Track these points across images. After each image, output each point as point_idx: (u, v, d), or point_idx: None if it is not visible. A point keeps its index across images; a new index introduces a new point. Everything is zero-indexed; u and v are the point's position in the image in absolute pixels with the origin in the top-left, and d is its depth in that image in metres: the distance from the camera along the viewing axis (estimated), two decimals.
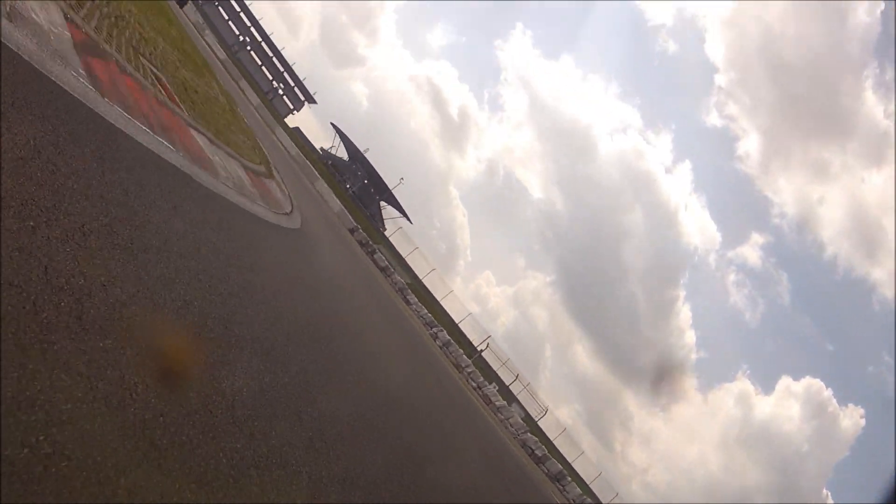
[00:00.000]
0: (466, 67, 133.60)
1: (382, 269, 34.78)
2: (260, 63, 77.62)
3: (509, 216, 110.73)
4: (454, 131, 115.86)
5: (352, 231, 35.25)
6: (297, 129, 63.41)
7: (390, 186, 63.37)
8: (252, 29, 77.97)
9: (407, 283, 37.43)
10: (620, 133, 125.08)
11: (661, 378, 68.21)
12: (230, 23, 78.00)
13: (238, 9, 78.11)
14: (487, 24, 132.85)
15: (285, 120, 62.38)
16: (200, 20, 53.40)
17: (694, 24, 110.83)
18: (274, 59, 77.50)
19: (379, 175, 65.32)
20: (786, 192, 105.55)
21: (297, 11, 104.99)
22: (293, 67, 77.25)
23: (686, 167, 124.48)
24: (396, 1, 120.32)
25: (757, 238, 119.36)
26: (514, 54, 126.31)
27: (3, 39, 4.11)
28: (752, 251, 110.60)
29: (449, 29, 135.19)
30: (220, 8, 77.90)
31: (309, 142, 64.71)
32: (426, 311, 35.71)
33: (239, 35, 77.50)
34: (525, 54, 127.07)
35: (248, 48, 77.43)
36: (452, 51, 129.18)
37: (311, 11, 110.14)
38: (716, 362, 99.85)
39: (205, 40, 41.23)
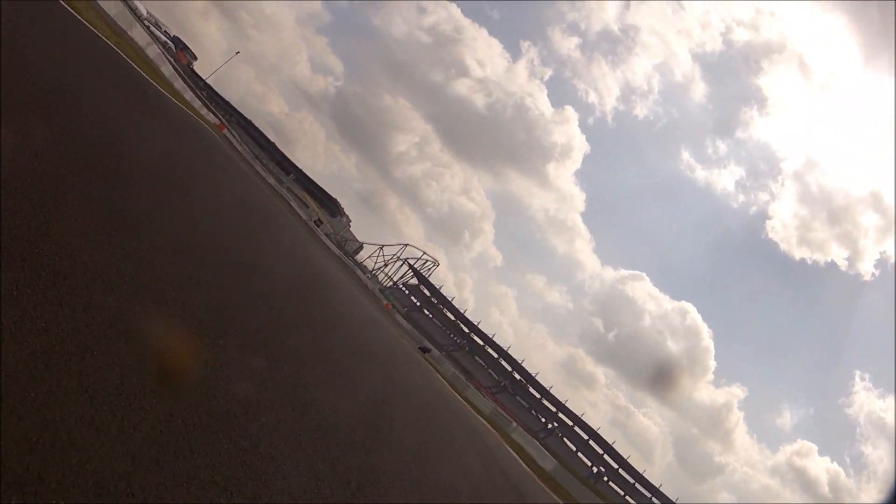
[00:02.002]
0: (823, 438, 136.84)
1: None
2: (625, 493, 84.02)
3: None
4: None
5: None
6: None
7: None
8: (602, 450, 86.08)
9: None
10: None
11: None
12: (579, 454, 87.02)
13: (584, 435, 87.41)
14: (826, 383, 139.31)
15: None
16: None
17: None
18: (637, 485, 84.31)
19: None
20: None
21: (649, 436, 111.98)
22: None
23: None
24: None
25: None
26: (861, 404, 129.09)
27: None
28: None
29: (795, 404, 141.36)
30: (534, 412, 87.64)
31: None
32: None
33: (592, 466, 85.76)
34: (870, 399, 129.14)
35: (606, 480, 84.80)
36: (804, 427, 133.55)
37: (661, 434, 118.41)
38: None
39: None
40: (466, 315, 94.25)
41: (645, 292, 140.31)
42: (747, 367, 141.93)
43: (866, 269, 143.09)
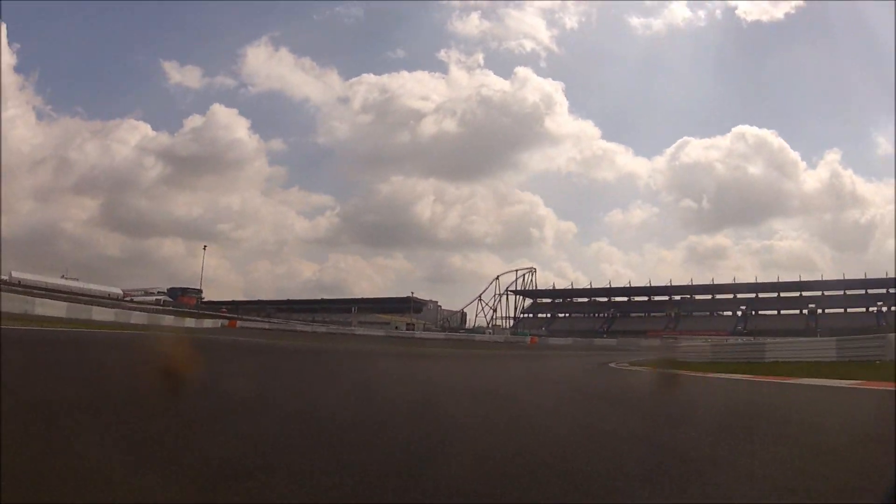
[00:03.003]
0: None
1: None
2: None
3: None
4: None
5: None
6: None
7: None
8: None
9: None
10: None
11: None
12: None
13: None
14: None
15: None
16: None
17: None
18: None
19: None
20: None
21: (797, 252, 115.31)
22: None
23: None
24: None
25: None
26: None
27: None
28: None
29: (879, 127, 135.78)
30: None
31: None
32: None
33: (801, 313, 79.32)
34: None
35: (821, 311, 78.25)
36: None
37: (805, 241, 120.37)
38: None
39: None
40: (596, 289, 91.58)
41: (700, 148, 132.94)
42: (822, 127, 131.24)
43: None
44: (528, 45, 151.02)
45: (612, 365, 24.25)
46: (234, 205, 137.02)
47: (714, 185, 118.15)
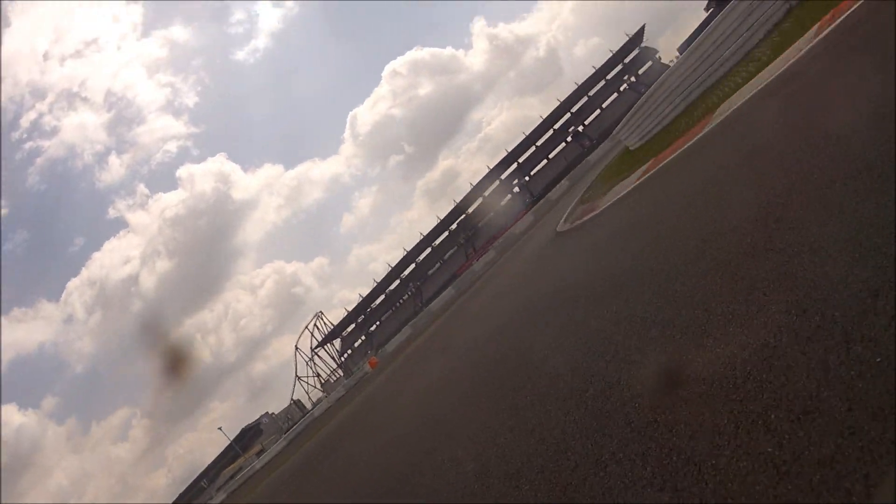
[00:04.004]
0: None
1: None
2: None
3: None
4: None
5: None
6: None
7: None
8: None
9: None
10: None
11: None
12: None
13: None
14: None
15: None
16: None
17: None
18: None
19: None
20: None
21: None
22: None
23: None
24: None
25: None
26: None
27: None
28: None
29: None
30: None
31: None
32: None
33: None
34: None
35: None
36: None
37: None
38: None
39: None
40: (382, 280, 77.01)
41: (367, 110, 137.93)
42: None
43: None
44: (173, 146, 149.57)
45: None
46: (62, 483, 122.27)
47: (404, 128, 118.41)
